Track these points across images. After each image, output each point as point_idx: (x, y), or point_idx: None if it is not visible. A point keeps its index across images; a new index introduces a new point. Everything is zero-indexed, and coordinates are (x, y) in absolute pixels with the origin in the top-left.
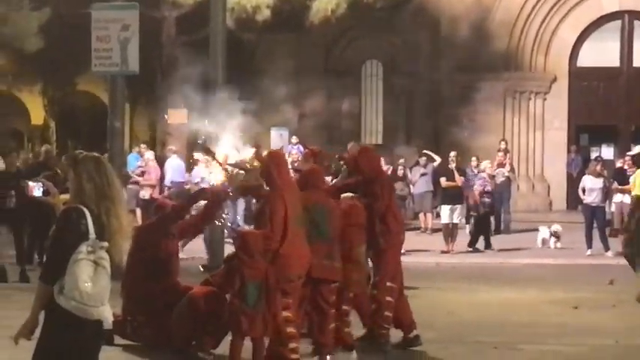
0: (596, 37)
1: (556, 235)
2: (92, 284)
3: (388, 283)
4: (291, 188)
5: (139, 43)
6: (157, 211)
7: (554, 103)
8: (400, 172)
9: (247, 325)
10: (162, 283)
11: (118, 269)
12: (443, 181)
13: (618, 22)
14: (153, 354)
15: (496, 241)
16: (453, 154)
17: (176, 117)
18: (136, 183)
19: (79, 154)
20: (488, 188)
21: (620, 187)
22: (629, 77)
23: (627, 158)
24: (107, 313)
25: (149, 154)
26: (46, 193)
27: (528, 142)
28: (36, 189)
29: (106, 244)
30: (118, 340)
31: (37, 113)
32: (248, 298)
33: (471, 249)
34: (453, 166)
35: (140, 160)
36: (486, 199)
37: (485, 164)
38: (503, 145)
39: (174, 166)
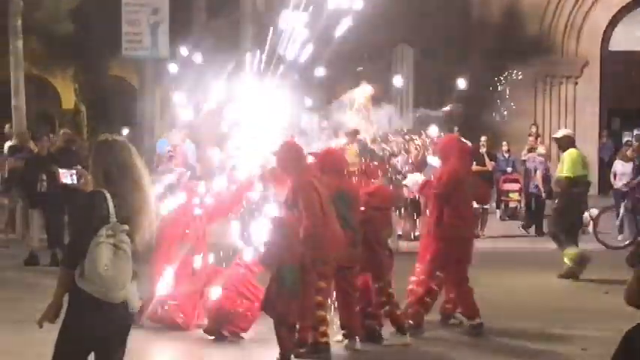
0: (629, 21)
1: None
2: (112, 268)
3: (437, 272)
4: (313, 173)
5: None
6: (185, 196)
7: (586, 87)
8: None
9: (283, 309)
10: (192, 267)
11: (147, 251)
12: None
13: None
14: (183, 337)
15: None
16: (483, 138)
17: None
18: (167, 167)
19: (99, 139)
20: (548, 173)
21: None
22: None
23: None
24: (132, 295)
25: (177, 139)
26: (78, 178)
27: (560, 126)
28: (67, 176)
29: (126, 227)
30: (147, 323)
31: (68, 97)
32: (285, 281)
33: (527, 232)
34: (483, 150)
35: (168, 146)
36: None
37: (540, 150)
38: (534, 130)
39: (190, 151)
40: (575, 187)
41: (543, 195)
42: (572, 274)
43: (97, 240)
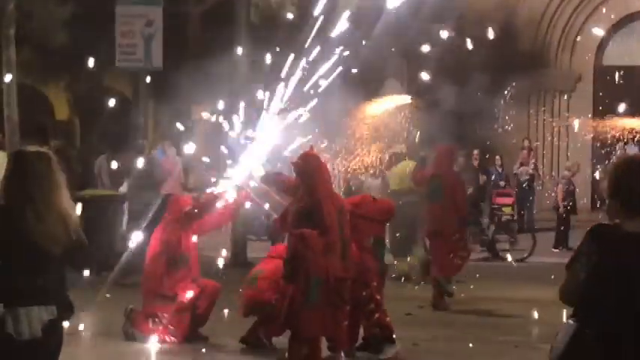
0: (622, 36)
1: None
2: None
3: None
4: (330, 187)
5: (162, 40)
6: (174, 207)
7: (580, 101)
8: None
9: (305, 322)
10: (183, 279)
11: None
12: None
13: None
14: (179, 349)
15: (520, 239)
16: (475, 152)
17: (201, 112)
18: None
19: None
20: (572, 188)
21: None
22: None
23: None
24: (13, 319)
25: (172, 151)
26: None
27: (553, 140)
28: None
29: None
30: (139, 336)
31: (61, 109)
32: (312, 294)
33: (557, 250)
34: (475, 164)
35: (164, 156)
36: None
37: (568, 164)
38: (526, 144)
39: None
40: (403, 198)
41: (561, 210)
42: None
43: None
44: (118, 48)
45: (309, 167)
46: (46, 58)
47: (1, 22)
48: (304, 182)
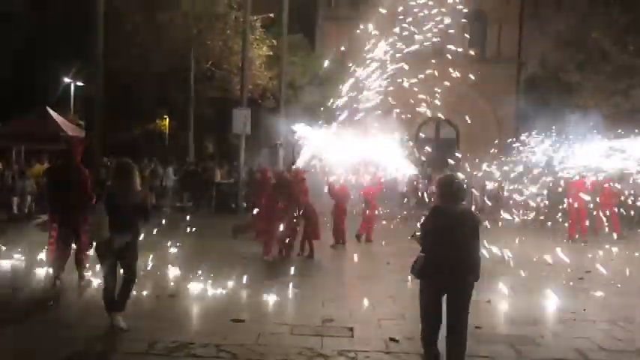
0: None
1: None
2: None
3: None
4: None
5: (250, 118)
6: (263, 180)
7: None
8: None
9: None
10: (267, 212)
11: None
12: None
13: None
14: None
15: None
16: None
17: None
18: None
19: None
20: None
21: None
22: None
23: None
24: (113, 236)
25: (256, 165)
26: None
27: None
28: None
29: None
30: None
31: (209, 149)
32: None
33: None
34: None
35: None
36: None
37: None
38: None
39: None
40: None
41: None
42: None
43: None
44: (233, 124)
45: (299, 175)
46: (203, 124)
47: (188, 108)
48: (294, 177)
